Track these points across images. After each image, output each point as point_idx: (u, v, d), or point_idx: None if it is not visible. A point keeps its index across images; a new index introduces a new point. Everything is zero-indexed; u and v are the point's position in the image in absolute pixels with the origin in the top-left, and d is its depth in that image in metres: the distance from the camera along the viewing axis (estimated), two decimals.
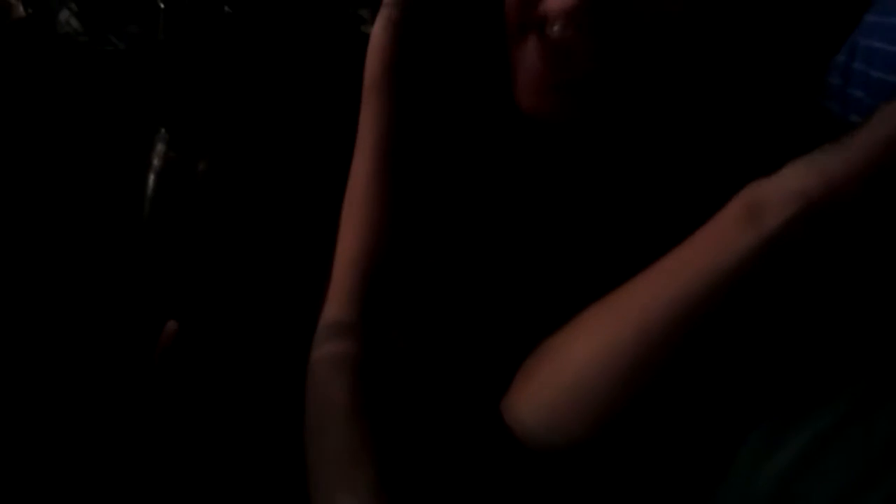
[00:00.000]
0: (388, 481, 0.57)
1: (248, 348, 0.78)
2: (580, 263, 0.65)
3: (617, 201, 0.65)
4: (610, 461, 0.59)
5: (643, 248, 0.59)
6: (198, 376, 0.72)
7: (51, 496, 0.56)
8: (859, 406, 0.51)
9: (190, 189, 0.81)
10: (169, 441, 0.65)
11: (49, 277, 0.70)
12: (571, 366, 0.58)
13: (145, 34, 0.84)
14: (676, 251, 0.56)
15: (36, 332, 0.64)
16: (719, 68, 0.61)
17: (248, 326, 0.80)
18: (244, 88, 0.81)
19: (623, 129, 0.63)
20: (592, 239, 0.65)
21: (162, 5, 0.81)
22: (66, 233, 0.75)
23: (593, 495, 0.59)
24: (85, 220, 0.77)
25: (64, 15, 0.88)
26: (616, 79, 0.58)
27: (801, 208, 0.50)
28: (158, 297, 0.73)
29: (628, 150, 0.63)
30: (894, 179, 0.48)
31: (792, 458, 0.51)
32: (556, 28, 0.56)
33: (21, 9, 0.93)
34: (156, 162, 0.81)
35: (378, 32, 0.67)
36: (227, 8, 0.80)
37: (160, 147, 0.81)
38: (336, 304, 0.65)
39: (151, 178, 0.80)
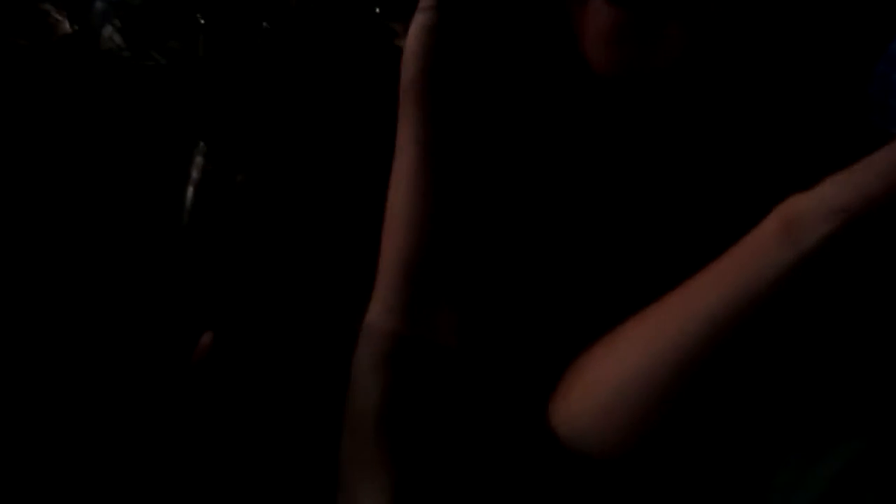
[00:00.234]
0: (409, 490, 0.57)
1: (285, 360, 0.79)
2: (622, 271, 0.65)
3: (662, 204, 0.64)
4: (643, 477, 0.59)
5: (683, 256, 0.58)
6: (233, 388, 0.72)
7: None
8: (889, 431, 0.50)
9: (228, 201, 0.82)
10: (204, 451, 0.65)
11: (88, 288, 0.71)
12: (611, 377, 0.58)
13: (186, 50, 0.85)
14: (714, 264, 0.56)
15: (75, 341, 0.65)
16: (765, 66, 0.61)
17: (284, 339, 0.80)
18: (281, 102, 0.82)
19: (687, 92, 0.62)
20: (634, 246, 0.65)
21: (202, 21, 0.82)
22: (106, 244, 0.76)
23: None
24: (124, 232, 0.78)
25: (107, 31, 0.90)
26: (687, 19, 0.57)
27: (838, 225, 0.50)
28: (195, 309, 0.74)
29: (687, 129, 0.63)
30: None
31: (825, 487, 0.51)
32: None
33: (67, 25, 0.95)
34: (195, 174, 0.82)
35: (413, 39, 0.67)
36: (265, 24, 0.81)
37: (199, 160, 0.82)
38: (380, 304, 0.65)
39: (190, 190, 0.81)
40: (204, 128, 0.83)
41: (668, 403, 0.56)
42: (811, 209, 0.52)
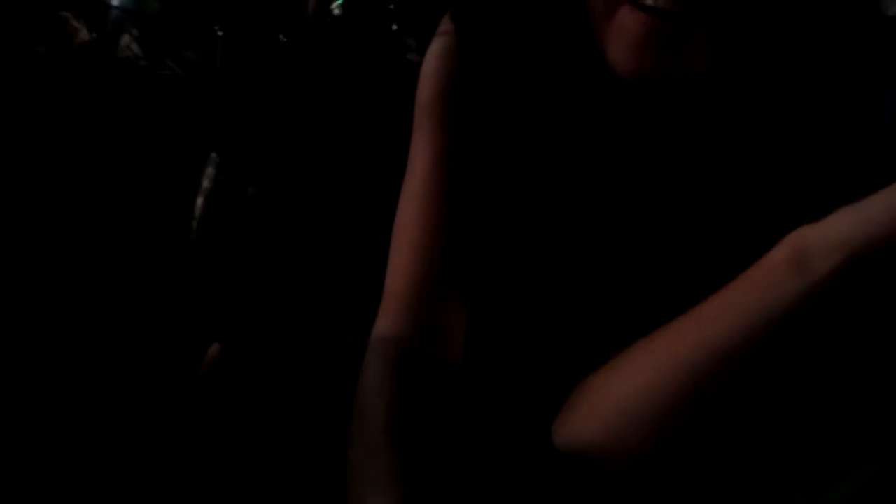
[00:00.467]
0: (416, 499, 0.57)
1: (292, 370, 0.79)
2: (633, 290, 0.65)
3: (674, 223, 0.65)
4: (647, 499, 0.59)
5: (693, 278, 0.58)
6: (240, 398, 0.73)
7: None
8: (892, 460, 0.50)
9: (239, 212, 0.82)
10: (211, 459, 0.66)
11: (97, 295, 0.71)
12: (618, 398, 0.58)
13: (203, 60, 0.86)
14: (722, 292, 0.56)
15: (84, 348, 0.66)
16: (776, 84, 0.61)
17: (292, 349, 0.80)
18: (295, 115, 0.83)
19: (707, 107, 0.63)
20: (645, 266, 0.65)
21: (220, 33, 0.83)
22: (117, 252, 0.77)
23: None
24: (135, 240, 0.79)
25: (125, 40, 0.91)
26: (709, 25, 0.58)
27: (845, 258, 0.50)
28: (203, 319, 0.75)
29: (705, 141, 0.63)
30: None
31: None
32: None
33: (85, 33, 0.96)
34: (206, 184, 0.82)
35: (430, 60, 0.68)
36: (282, 37, 0.82)
37: (210, 170, 0.83)
38: (388, 316, 0.66)
39: (200, 200, 0.82)
40: (217, 139, 0.83)
41: (673, 427, 0.56)
42: (820, 241, 0.52)
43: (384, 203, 0.71)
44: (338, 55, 0.84)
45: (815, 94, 0.60)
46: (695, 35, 0.55)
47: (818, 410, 0.56)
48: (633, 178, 0.63)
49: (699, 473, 0.58)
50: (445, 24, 0.68)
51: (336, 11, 0.95)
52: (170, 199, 0.82)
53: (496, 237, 0.66)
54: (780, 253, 0.54)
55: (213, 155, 0.83)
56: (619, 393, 0.59)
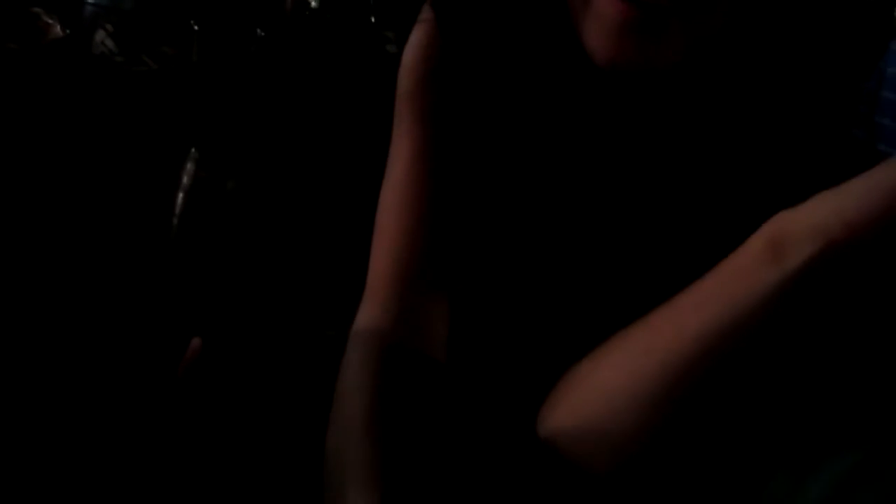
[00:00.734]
0: (397, 491, 0.57)
1: (273, 363, 0.79)
2: (612, 281, 0.65)
3: (652, 214, 0.65)
4: (632, 491, 0.59)
5: (672, 269, 0.59)
6: (222, 392, 0.72)
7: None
8: (880, 448, 0.51)
9: (218, 208, 0.82)
10: (193, 453, 0.65)
11: (76, 292, 0.71)
12: (598, 394, 0.58)
13: (179, 55, 0.86)
14: (700, 283, 0.56)
15: (64, 345, 0.65)
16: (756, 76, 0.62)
17: (272, 344, 0.80)
18: (274, 110, 0.83)
19: (683, 96, 0.63)
20: (624, 257, 0.65)
21: (196, 28, 0.82)
22: (95, 248, 0.76)
23: None
24: (114, 237, 0.78)
25: (99, 35, 0.90)
26: (688, 16, 0.58)
27: (820, 247, 0.50)
28: (184, 314, 0.74)
29: (681, 134, 0.63)
30: None
31: (817, 500, 0.51)
32: None
33: (58, 29, 0.95)
34: (185, 180, 0.82)
35: (410, 51, 0.68)
36: (259, 31, 0.81)
37: (190, 166, 0.82)
38: (371, 306, 0.66)
39: (180, 196, 0.81)
40: (196, 134, 0.83)
41: (656, 417, 0.56)
42: (794, 230, 0.52)
43: (365, 195, 0.70)
44: (316, 49, 0.84)
45: (793, 80, 0.61)
46: (672, 23, 0.56)
47: (802, 397, 0.56)
48: (613, 168, 0.63)
49: (682, 461, 0.58)
50: (425, 13, 0.68)
51: (313, 4, 0.94)
52: (149, 196, 0.81)
53: (477, 229, 0.66)
54: (757, 241, 0.54)
55: (192, 150, 0.83)
56: (602, 384, 0.59)
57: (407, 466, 0.60)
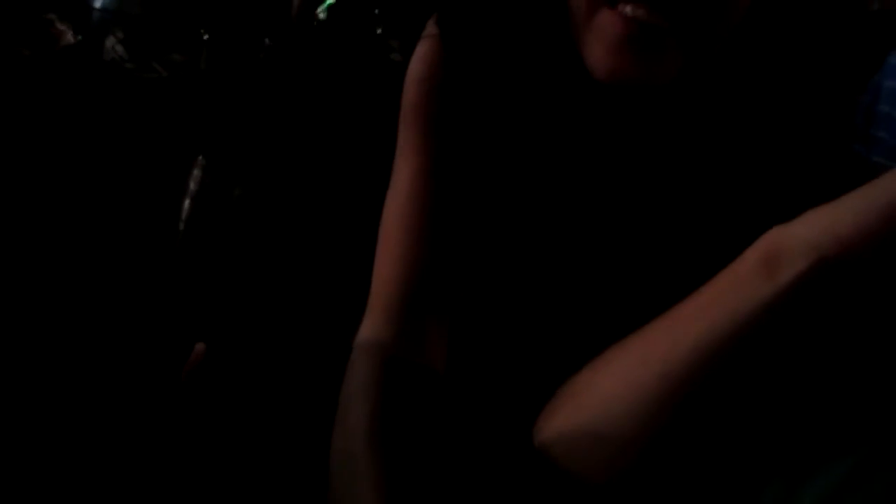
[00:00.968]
0: (399, 501, 0.57)
1: (277, 370, 0.79)
2: (611, 292, 0.66)
3: (648, 226, 0.65)
4: (629, 499, 0.59)
5: (667, 282, 0.59)
6: (225, 397, 0.73)
7: None
8: (873, 454, 0.51)
9: (224, 214, 0.82)
10: (196, 457, 0.66)
11: (83, 295, 0.71)
12: (595, 404, 0.59)
13: (188, 63, 0.87)
14: (696, 296, 0.57)
15: (70, 348, 0.66)
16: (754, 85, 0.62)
17: (277, 350, 0.81)
18: (281, 118, 0.83)
19: (680, 110, 0.64)
20: (621, 269, 0.66)
21: (205, 36, 0.83)
22: (102, 252, 0.77)
23: None
24: (121, 242, 0.79)
25: (110, 42, 0.91)
26: (689, 35, 0.59)
27: (813, 262, 0.51)
28: (188, 319, 0.75)
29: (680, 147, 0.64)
30: None
31: None
32: (628, 9, 0.58)
33: (70, 35, 0.96)
34: (192, 187, 0.82)
35: (416, 64, 0.68)
36: (267, 40, 0.82)
37: (197, 172, 0.83)
38: (374, 318, 0.66)
39: (187, 202, 0.82)
40: (203, 141, 0.84)
41: (653, 426, 0.56)
42: (789, 245, 0.52)
43: (370, 204, 0.71)
44: (322, 58, 0.85)
45: (789, 94, 0.61)
46: (670, 41, 0.57)
47: (797, 404, 0.57)
48: (612, 181, 0.64)
49: (680, 466, 0.59)
50: (430, 28, 0.69)
51: (321, 16, 0.95)
52: (156, 202, 0.82)
53: (478, 240, 0.67)
54: (751, 255, 0.54)
55: (200, 157, 0.83)
56: (599, 393, 0.60)
57: (409, 472, 0.61)
